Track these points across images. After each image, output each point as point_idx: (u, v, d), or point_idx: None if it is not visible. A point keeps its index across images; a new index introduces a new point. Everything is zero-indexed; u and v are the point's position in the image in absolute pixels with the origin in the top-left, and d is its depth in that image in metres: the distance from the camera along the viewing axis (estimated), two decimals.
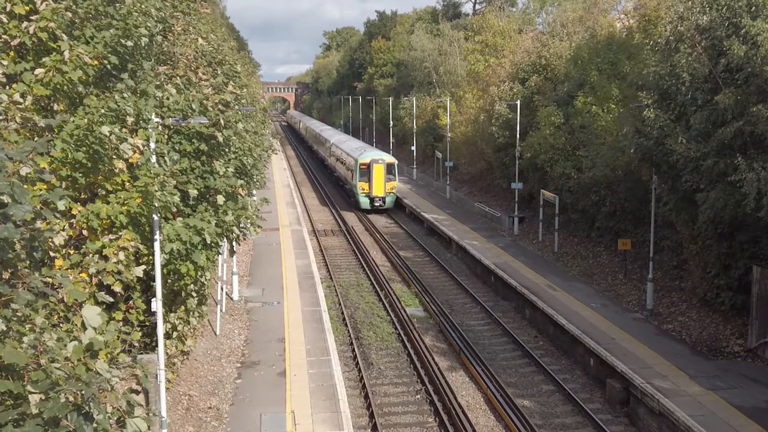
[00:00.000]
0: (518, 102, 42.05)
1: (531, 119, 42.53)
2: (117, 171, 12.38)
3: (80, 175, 12.09)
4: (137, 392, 7.08)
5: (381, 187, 53.38)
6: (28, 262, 7.02)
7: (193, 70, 17.53)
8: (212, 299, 25.36)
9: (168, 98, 14.68)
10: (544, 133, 39.38)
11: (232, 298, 28.47)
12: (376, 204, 53.33)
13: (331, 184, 70.39)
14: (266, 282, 31.45)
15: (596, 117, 36.33)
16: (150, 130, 13.41)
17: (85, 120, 11.86)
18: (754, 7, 20.93)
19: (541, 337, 27.57)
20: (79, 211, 12.36)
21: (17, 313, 6.58)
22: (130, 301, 13.81)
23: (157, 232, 13.71)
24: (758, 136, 20.40)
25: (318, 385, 20.31)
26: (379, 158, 53.83)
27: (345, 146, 64.58)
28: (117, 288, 12.07)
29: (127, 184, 12.86)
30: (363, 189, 53.52)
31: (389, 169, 53.78)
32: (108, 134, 11.66)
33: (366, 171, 53.24)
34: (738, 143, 21.21)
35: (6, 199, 6.17)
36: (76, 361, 6.46)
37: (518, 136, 41.46)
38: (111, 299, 9.49)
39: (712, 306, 24.95)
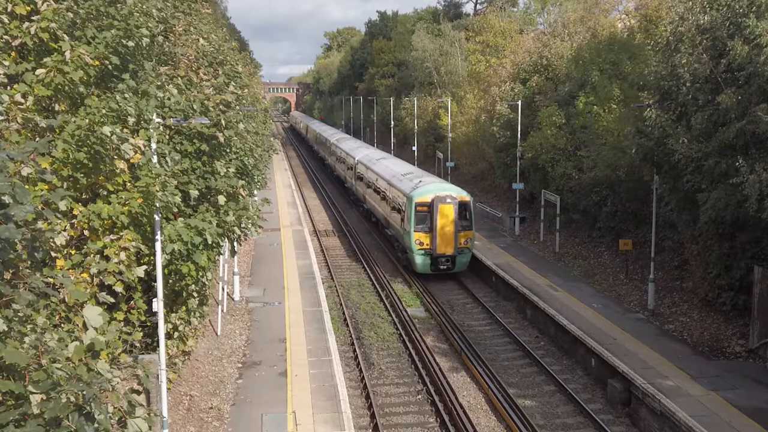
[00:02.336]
0: (519, 102, 42.04)
1: (532, 119, 42.52)
2: (118, 171, 12.39)
3: (81, 175, 12.09)
4: (138, 392, 7.09)
5: (450, 240, 34.14)
6: (29, 262, 7.03)
7: (194, 70, 17.53)
8: (213, 299, 25.37)
9: (169, 98, 14.69)
10: (546, 134, 39.37)
11: (233, 299, 28.48)
12: (442, 266, 34.51)
13: (332, 184, 70.31)
14: (267, 282, 31.45)
15: (597, 117, 36.33)
16: (151, 130, 13.42)
17: (87, 120, 11.87)
18: (755, 7, 20.91)
19: (543, 337, 27.55)
20: (80, 212, 12.36)
21: (19, 314, 6.58)
22: (132, 302, 13.81)
23: (159, 233, 13.72)
24: (760, 136, 20.38)
25: (319, 385, 20.30)
26: (447, 194, 34.55)
27: (383, 169, 44.82)
28: (118, 288, 12.08)
29: (129, 184, 12.86)
30: (421, 243, 34.26)
31: (463, 210, 34.58)
32: (109, 134, 11.66)
33: (426, 215, 34.29)
34: (739, 143, 21.19)
35: (7, 199, 6.17)
36: (77, 361, 6.46)
37: (519, 136, 41.43)
38: (112, 299, 9.50)
39: (714, 306, 24.93)
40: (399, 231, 37.07)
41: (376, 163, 47.69)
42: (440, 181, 39.10)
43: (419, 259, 34.48)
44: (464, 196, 35.00)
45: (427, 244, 34.13)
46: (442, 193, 34.53)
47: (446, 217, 33.89)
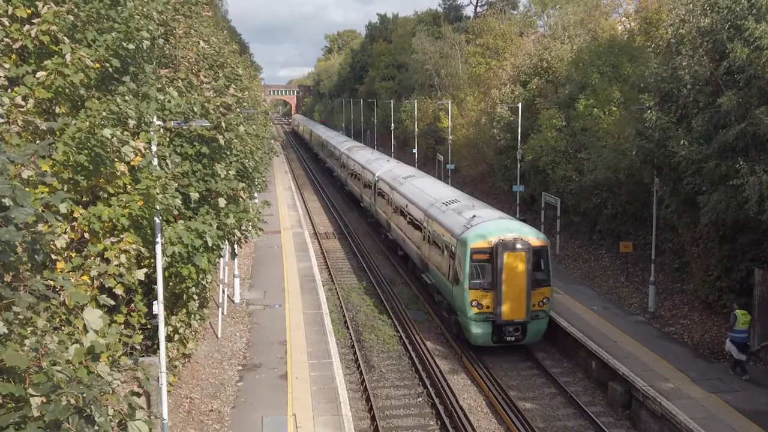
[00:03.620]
0: (520, 105, 42.05)
1: (532, 122, 42.54)
2: (119, 174, 12.39)
3: (82, 177, 12.09)
4: (139, 395, 7.08)
5: (521, 301, 24.59)
6: (29, 264, 7.02)
7: (194, 73, 17.55)
8: (214, 302, 25.37)
9: (169, 101, 14.70)
10: (546, 136, 39.38)
11: (233, 301, 28.47)
12: (509, 338, 25.01)
13: (332, 186, 70.27)
14: (268, 285, 31.45)
15: (598, 119, 36.34)
16: (152, 132, 13.42)
17: (87, 123, 11.87)
18: (755, 10, 20.93)
19: (543, 339, 27.51)
20: (80, 214, 12.36)
21: (19, 316, 6.58)
22: (132, 304, 13.82)
23: (159, 235, 13.72)
24: (760, 138, 20.38)
25: (319, 387, 20.29)
26: (515, 238, 24.83)
27: (416, 192, 35.16)
28: (118, 291, 12.07)
29: (129, 187, 12.86)
30: (479, 305, 24.64)
31: (537, 258, 25.21)
32: (110, 137, 11.67)
33: (486, 265, 24.84)
34: (740, 145, 21.19)
35: (8, 201, 6.17)
36: (77, 363, 6.46)
37: (519, 138, 41.44)
38: (112, 302, 9.50)
39: (714, 309, 24.92)
40: (444, 282, 27.03)
41: (405, 183, 37.96)
42: (500, 214, 28.05)
43: (476, 328, 24.50)
44: (539, 239, 25.15)
45: (487, 307, 24.36)
46: (508, 235, 24.55)
47: (515, 269, 24.15)
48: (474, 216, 26.87)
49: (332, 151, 71.65)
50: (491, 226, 25.65)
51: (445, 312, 27.74)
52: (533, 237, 25.15)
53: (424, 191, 34.62)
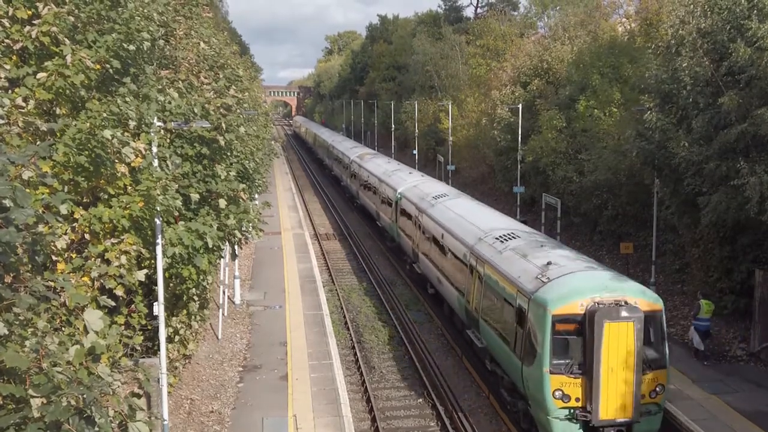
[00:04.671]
0: (520, 106, 42.07)
1: (533, 123, 42.55)
2: (119, 175, 12.39)
3: (82, 178, 12.09)
4: (139, 396, 7.08)
5: (627, 392, 16.61)
6: (30, 265, 7.02)
7: (195, 74, 17.57)
8: (214, 303, 25.37)
9: (170, 102, 14.71)
10: (546, 137, 39.40)
11: (234, 302, 28.47)
12: None
13: (332, 187, 70.26)
14: (268, 286, 31.45)
15: (598, 120, 36.34)
16: (152, 133, 13.44)
17: (88, 124, 11.87)
18: (757, 10, 20.94)
19: None
20: (81, 215, 12.36)
21: (19, 317, 6.58)
22: (132, 305, 13.82)
23: (159, 236, 13.73)
24: (761, 139, 20.39)
25: (320, 388, 20.29)
26: (617, 299, 16.89)
27: (453, 220, 27.55)
28: (119, 292, 12.07)
29: (129, 188, 12.87)
30: (564, 396, 16.79)
31: (648, 328, 17.06)
32: (110, 138, 11.67)
33: (574, 340, 17.00)
34: (740, 146, 21.20)
35: (8, 202, 6.18)
36: (77, 364, 6.46)
37: (520, 139, 41.45)
38: (113, 303, 9.51)
39: (715, 309, 24.89)
40: (507, 355, 19.23)
41: (437, 205, 30.59)
42: (586, 261, 19.87)
43: (560, 427, 16.88)
44: (650, 300, 17.36)
45: (576, 400, 16.79)
46: (607, 295, 16.83)
47: (619, 346, 16.49)
48: (549, 263, 18.80)
49: (340, 158, 64.21)
50: (578, 280, 17.72)
51: (507, 393, 19.99)
52: (643, 298, 17.13)
53: (466, 219, 26.72)
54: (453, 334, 26.37)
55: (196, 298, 17.53)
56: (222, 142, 15.84)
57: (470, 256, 23.40)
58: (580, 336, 16.79)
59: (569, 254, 20.55)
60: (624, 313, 16.50)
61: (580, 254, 21.17)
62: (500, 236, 22.85)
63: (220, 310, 25.10)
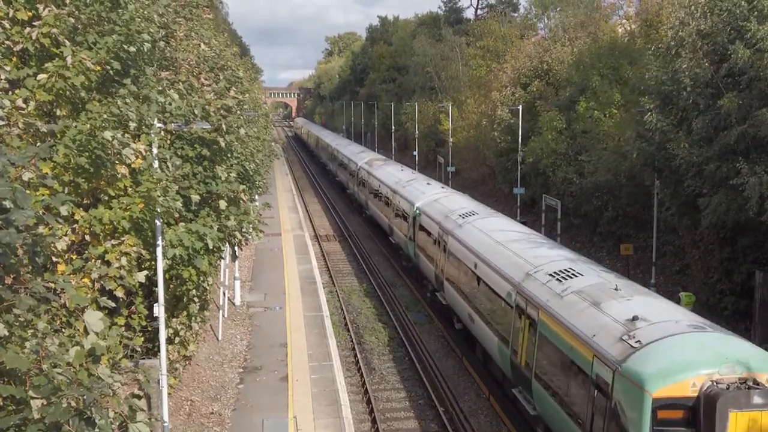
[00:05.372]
0: (520, 107, 42.11)
1: (533, 124, 42.59)
2: (119, 176, 12.39)
3: (83, 180, 12.09)
4: (139, 397, 7.08)
5: None
6: (30, 267, 7.03)
7: (195, 75, 17.59)
8: (214, 304, 25.37)
9: (170, 103, 14.72)
10: (546, 138, 39.43)
11: (234, 303, 28.47)
12: None
13: (333, 189, 70.24)
14: (268, 287, 31.45)
15: (598, 122, 36.38)
16: (152, 135, 13.44)
17: (88, 125, 11.88)
18: (756, 12, 20.96)
19: None
20: (81, 216, 12.36)
21: (19, 318, 6.58)
22: (133, 306, 13.81)
23: (160, 238, 13.73)
24: (761, 140, 20.40)
25: (320, 390, 20.29)
26: (742, 377, 11.95)
27: (497, 254, 21.73)
28: (119, 293, 12.07)
29: (130, 189, 12.87)
30: None
31: None
32: (110, 139, 11.68)
33: (680, 429, 12.04)
34: (740, 147, 21.21)
35: (8, 204, 6.18)
36: (78, 366, 6.47)
37: (520, 141, 41.47)
38: (113, 304, 9.51)
39: (715, 311, 24.88)
40: None
41: (465, 226, 25.75)
42: (691, 317, 14.77)
43: None
44: None
45: None
46: (728, 372, 12.20)
47: None
48: (636, 318, 14.08)
49: (345, 164, 60.33)
50: (685, 347, 13.04)
51: None
52: None
53: (507, 246, 21.71)
54: (489, 383, 22.77)
55: (196, 299, 17.52)
56: (222, 144, 15.84)
57: (517, 296, 18.70)
58: (691, 428, 12.18)
59: (659, 304, 15.64)
60: (757, 399, 11.72)
61: (672, 303, 16.16)
62: (556, 273, 18.05)
63: (221, 311, 25.09)
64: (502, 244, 22.20)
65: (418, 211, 32.17)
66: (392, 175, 42.46)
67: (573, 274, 17.71)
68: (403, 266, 37.17)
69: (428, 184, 36.82)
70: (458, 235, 25.43)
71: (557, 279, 17.69)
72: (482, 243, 23.28)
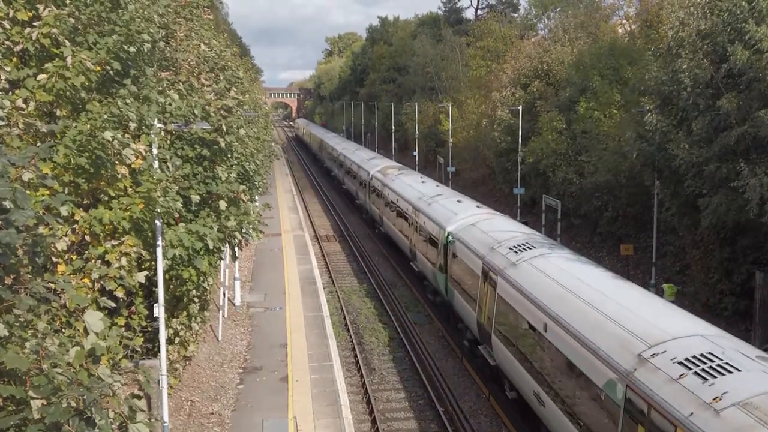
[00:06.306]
0: (520, 107, 42.10)
1: (533, 124, 42.60)
2: (119, 176, 12.39)
3: (83, 180, 12.09)
4: (139, 397, 7.08)
5: None
6: (30, 267, 7.03)
7: (195, 75, 17.58)
8: (214, 305, 25.36)
9: (170, 104, 14.71)
10: (546, 139, 39.44)
11: (234, 304, 28.46)
12: None
13: (333, 190, 70.21)
14: (268, 287, 31.44)
15: (598, 122, 36.38)
16: (152, 135, 13.44)
17: (88, 125, 11.88)
18: (756, 13, 20.96)
19: None
20: (81, 217, 12.36)
21: (19, 319, 6.58)
22: (133, 307, 13.81)
23: (160, 238, 13.72)
24: (761, 141, 20.40)
25: (320, 390, 20.28)
26: None
27: (577, 314, 15.03)
28: (119, 293, 12.07)
29: (130, 189, 12.87)
30: None
31: None
32: (110, 140, 11.68)
33: None
34: (740, 148, 21.22)
35: (8, 204, 6.18)
36: (78, 366, 6.47)
37: (520, 141, 41.47)
38: (113, 304, 9.51)
39: (715, 311, 24.88)
40: None
41: (521, 265, 19.34)
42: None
43: None
44: None
45: None
46: None
47: None
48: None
49: (354, 172, 54.77)
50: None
51: None
52: None
53: (599, 309, 14.93)
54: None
55: (196, 299, 17.52)
56: (222, 144, 15.84)
57: (629, 391, 12.18)
58: None
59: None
60: None
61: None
62: (695, 360, 11.60)
63: (221, 311, 25.09)
64: (591, 305, 15.25)
65: (451, 238, 26.25)
66: (412, 188, 36.76)
67: (723, 366, 11.12)
68: (428, 299, 31.25)
69: (459, 201, 31.13)
70: (513, 279, 19.03)
71: (701, 376, 11.03)
72: (555, 297, 16.55)
